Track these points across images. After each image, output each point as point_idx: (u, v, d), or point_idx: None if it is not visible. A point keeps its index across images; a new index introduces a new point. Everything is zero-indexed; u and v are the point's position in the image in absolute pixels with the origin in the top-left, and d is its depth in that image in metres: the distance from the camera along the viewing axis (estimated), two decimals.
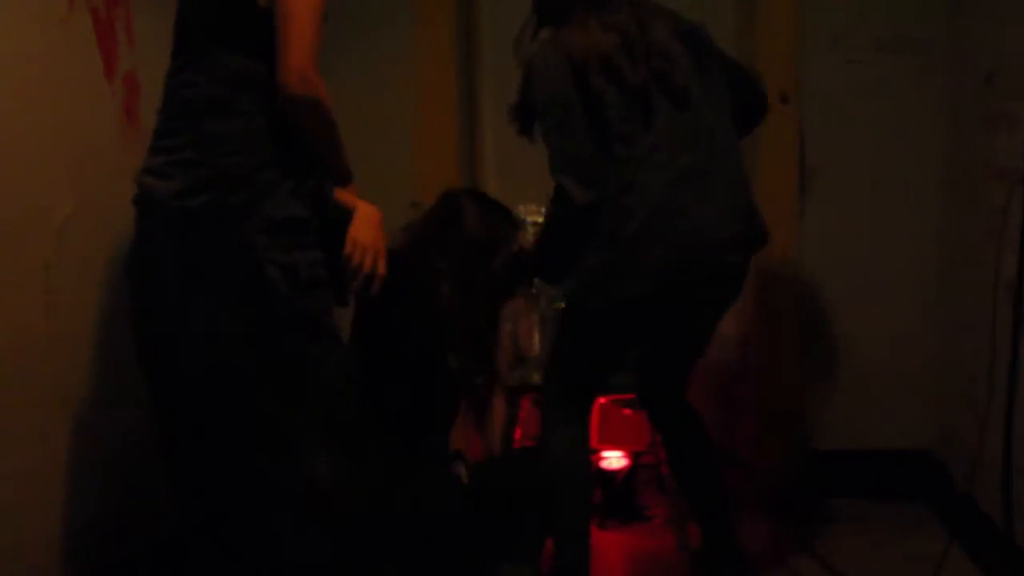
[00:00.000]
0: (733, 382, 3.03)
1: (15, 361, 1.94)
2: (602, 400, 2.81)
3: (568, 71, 2.00)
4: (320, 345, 1.78)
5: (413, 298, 2.22)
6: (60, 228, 2.08)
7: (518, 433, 2.81)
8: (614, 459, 2.88)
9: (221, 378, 1.74)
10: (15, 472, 1.93)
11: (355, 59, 3.02)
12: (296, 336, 1.75)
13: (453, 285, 2.29)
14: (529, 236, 2.60)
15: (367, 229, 1.90)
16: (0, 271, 1.90)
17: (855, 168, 2.96)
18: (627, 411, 2.85)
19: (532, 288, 2.67)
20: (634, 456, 2.89)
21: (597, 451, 2.85)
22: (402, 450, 2.20)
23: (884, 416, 3.03)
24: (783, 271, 2.94)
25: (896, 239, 2.98)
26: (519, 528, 2.28)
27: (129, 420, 2.33)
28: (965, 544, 2.56)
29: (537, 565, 2.31)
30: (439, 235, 2.35)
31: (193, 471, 1.79)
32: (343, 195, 1.94)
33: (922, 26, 2.90)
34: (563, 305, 2.36)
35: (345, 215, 1.87)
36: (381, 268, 1.89)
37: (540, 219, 2.64)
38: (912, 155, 2.94)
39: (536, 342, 2.78)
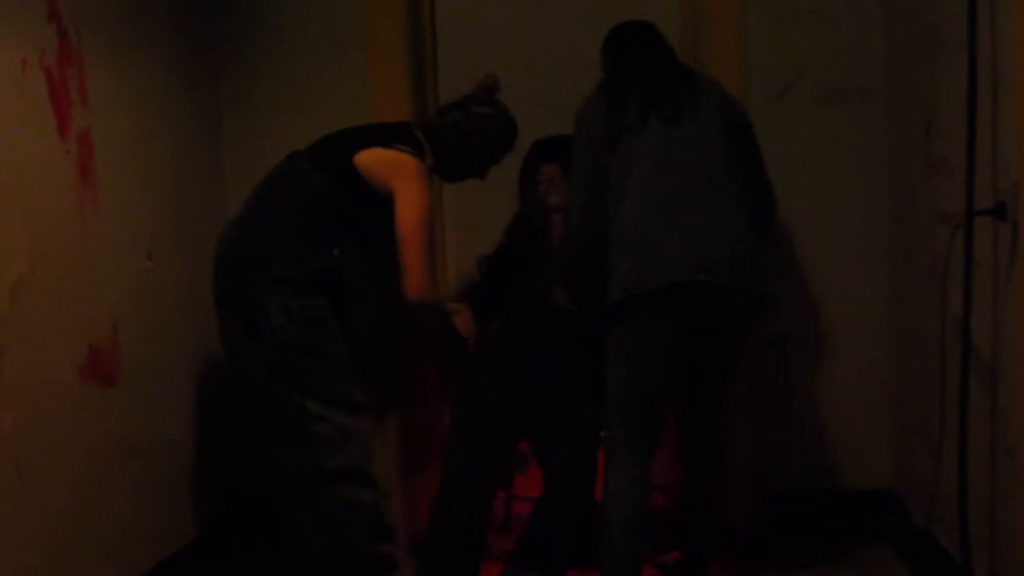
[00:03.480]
0: None
1: None
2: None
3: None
4: (309, 358, 2.41)
5: None
6: (14, 286, 2.06)
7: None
8: None
9: (244, 375, 2.51)
10: None
11: (314, 93, 3.10)
12: (291, 353, 2.39)
13: None
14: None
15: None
16: None
17: (805, 215, 3.03)
18: None
19: None
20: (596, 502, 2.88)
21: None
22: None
23: (843, 457, 3.06)
24: None
25: (848, 281, 3.05)
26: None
27: (76, 475, 2.29)
28: None
29: None
30: None
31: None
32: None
33: (864, 77, 3.01)
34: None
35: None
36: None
37: None
38: (859, 200, 3.03)
39: None
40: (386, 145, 2.51)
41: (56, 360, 2.23)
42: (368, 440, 2.50)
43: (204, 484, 2.94)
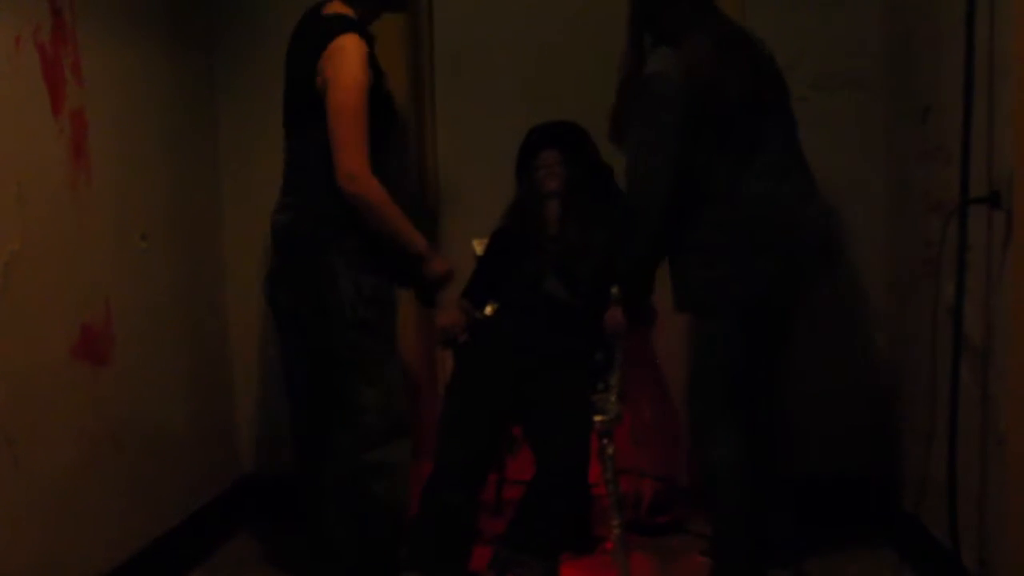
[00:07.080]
0: (682, 409, 3.05)
1: None
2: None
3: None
4: (372, 340, 2.30)
5: None
6: (7, 264, 2.06)
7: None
8: None
9: (307, 352, 2.38)
10: None
11: None
12: (357, 333, 2.27)
13: None
14: None
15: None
16: None
17: None
18: None
19: None
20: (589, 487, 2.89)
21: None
22: None
23: (834, 442, 3.07)
24: None
25: (841, 267, 3.05)
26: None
27: (68, 454, 2.29)
28: (915, 566, 2.60)
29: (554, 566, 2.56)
30: None
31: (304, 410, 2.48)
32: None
33: (860, 63, 3.00)
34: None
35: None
36: None
37: None
38: (854, 188, 3.03)
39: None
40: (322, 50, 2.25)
41: (48, 338, 2.22)
42: (411, 440, 2.41)
43: (196, 463, 2.95)
